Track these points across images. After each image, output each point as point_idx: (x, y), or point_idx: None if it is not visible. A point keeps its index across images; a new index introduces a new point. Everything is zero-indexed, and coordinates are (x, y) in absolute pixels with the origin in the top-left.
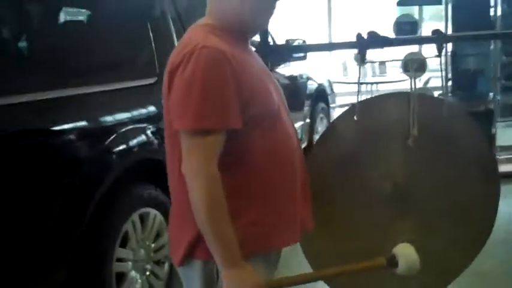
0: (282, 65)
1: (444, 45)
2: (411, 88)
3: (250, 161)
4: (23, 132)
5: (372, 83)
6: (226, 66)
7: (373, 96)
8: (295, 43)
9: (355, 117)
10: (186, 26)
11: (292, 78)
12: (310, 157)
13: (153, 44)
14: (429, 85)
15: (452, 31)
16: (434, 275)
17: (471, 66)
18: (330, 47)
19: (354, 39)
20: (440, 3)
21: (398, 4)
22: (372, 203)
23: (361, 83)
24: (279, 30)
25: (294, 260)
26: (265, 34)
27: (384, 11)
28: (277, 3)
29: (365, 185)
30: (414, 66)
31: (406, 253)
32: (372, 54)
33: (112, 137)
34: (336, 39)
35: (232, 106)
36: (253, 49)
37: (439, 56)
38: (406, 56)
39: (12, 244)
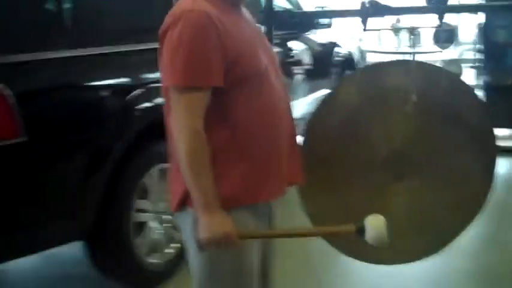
0: (308, 32)
1: (450, 15)
2: (412, 54)
3: (237, 119)
4: (59, 87)
5: (405, 53)
6: (212, 28)
7: (374, 63)
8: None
9: (353, 87)
10: None
11: (322, 45)
12: (315, 119)
13: None
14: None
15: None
16: (431, 234)
17: (502, 38)
18: (334, 14)
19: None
20: None
21: None
22: (372, 164)
23: (396, 53)
24: None
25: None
26: (269, 1)
27: None
28: None
29: (365, 147)
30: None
31: (375, 225)
32: (406, 23)
33: (135, 95)
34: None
35: (215, 66)
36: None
37: (440, 26)
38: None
39: (45, 189)
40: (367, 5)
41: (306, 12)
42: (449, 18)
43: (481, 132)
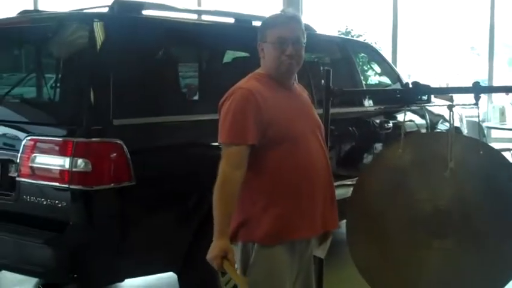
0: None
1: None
2: (450, 127)
3: (274, 170)
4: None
5: None
6: (251, 101)
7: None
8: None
9: (400, 150)
10: None
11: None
12: (365, 175)
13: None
14: None
15: None
16: None
17: None
18: (373, 93)
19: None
20: None
21: None
22: (414, 221)
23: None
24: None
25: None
26: (327, 81)
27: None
28: (287, 56)
29: (409, 205)
30: None
31: None
32: None
33: None
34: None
35: (251, 130)
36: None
37: (476, 104)
38: None
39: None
40: (410, 86)
41: (360, 90)
42: None
43: None
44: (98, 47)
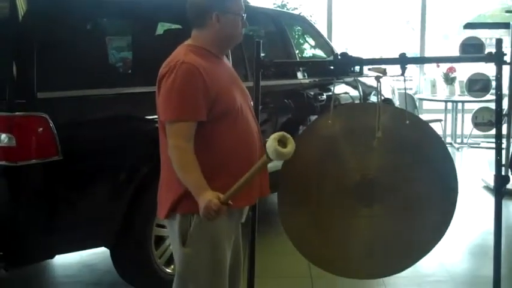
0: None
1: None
2: (377, 97)
3: (219, 144)
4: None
5: (457, 101)
6: (198, 77)
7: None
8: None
9: (329, 121)
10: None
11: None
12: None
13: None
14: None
15: None
16: (395, 255)
17: None
18: (303, 64)
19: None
20: (508, 27)
21: (465, 27)
22: (344, 189)
23: (448, 101)
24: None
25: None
26: (258, 53)
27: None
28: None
29: (339, 174)
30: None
31: (268, 145)
32: (460, 72)
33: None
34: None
35: (199, 105)
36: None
37: (402, 75)
38: (470, 76)
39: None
40: (338, 57)
41: (290, 62)
42: (486, 68)
43: (441, 164)
44: (20, 17)
